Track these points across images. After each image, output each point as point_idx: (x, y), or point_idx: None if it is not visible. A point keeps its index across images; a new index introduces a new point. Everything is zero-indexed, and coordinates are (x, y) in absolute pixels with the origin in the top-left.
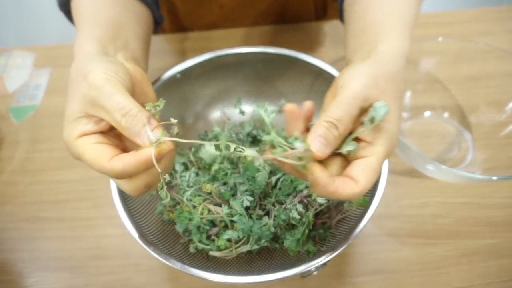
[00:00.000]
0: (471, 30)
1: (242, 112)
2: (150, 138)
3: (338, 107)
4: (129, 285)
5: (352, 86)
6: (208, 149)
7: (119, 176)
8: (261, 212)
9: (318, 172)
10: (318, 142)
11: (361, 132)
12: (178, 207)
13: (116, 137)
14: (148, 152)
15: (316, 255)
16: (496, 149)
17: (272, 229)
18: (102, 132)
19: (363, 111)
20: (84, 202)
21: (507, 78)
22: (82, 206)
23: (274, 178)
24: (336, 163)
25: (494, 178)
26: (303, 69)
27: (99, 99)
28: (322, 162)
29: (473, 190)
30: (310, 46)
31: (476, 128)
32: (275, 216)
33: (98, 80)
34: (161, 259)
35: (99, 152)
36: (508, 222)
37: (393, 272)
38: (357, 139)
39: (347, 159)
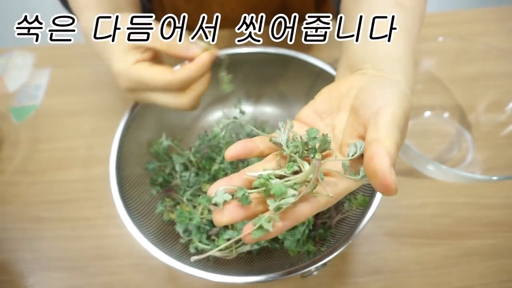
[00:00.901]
0: (471, 30)
1: (242, 112)
2: (201, 45)
3: (391, 137)
4: (129, 285)
5: (394, 111)
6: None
7: (183, 84)
8: None
9: None
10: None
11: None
12: (178, 207)
13: None
14: (205, 56)
15: (316, 255)
16: (496, 149)
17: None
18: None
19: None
20: (84, 202)
21: (507, 78)
22: (83, 206)
23: None
24: None
25: (494, 178)
26: (303, 69)
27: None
28: None
29: (473, 190)
30: (310, 46)
31: (476, 128)
32: None
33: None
34: (161, 259)
35: (160, 69)
36: (508, 222)
37: (393, 272)
38: None
39: None
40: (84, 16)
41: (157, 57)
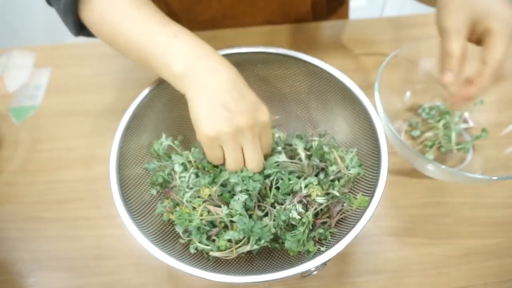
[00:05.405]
0: None
1: None
2: None
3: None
4: (129, 285)
5: None
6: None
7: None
8: (260, 213)
9: None
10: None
11: None
12: (177, 208)
13: None
14: None
15: (316, 255)
16: (496, 149)
17: (273, 230)
18: None
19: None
20: (84, 202)
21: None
22: (82, 206)
23: (270, 177)
24: None
25: (494, 178)
26: (303, 69)
27: None
28: None
29: (473, 190)
30: (310, 46)
31: (476, 128)
32: (274, 216)
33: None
34: (161, 259)
35: None
36: (508, 222)
37: (393, 272)
38: None
39: None
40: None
41: None
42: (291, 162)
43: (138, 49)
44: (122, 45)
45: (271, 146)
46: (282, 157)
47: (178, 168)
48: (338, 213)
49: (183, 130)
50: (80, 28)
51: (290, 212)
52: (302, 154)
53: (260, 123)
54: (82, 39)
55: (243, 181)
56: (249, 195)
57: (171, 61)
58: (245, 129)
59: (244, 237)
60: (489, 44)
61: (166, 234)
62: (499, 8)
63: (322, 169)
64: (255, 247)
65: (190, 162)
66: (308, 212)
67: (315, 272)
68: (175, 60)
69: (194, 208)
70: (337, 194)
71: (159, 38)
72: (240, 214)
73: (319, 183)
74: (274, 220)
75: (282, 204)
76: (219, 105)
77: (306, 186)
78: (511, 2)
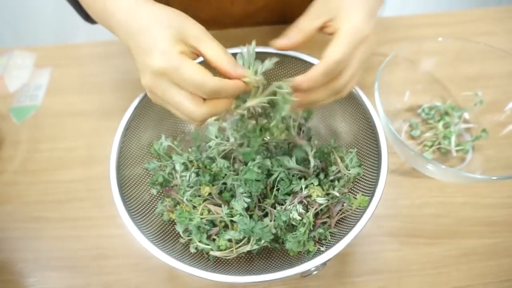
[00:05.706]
0: (471, 30)
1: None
2: (248, 73)
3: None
4: (129, 285)
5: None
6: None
7: (215, 91)
8: (260, 213)
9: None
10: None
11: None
12: (178, 207)
13: None
14: (243, 83)
15: (316, 255)
16: (496, 149)
17: (273, 230)
18: None
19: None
20: (84, 202)
21: (507, 78)
22: (83, 206)
23: (271, 178)
24: None
25: (494, 178)
26: (303, 69)
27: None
28: None
29: (473, 190)
30: (310, 46)
31: (476, 128)
32: (275, 217)
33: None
34: (161, 259)
35: (203, 69)
36: (508, 222)
37: (393, 272)
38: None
39: None
40: None
41: None
42: (299, 168)
43: (103, 23)
44: (100, 22)
45: (195, 81)
46: (292, 163)
47: (179, 167)
48: (338, 213)
49: (183, 130)
50: (86, 14)
51: (291, 212)
52: (312, 161)
53: (159, 72)
54: (81, 39)
55: (245, 183)
56: (251, 195)
57: (118, 35)
58: (151, 87)
59: (244, 237)
60: (331, 42)
61: (166, 234)
62: (355, 14)
63: (322, 170)
64: (255, 247)
65: (191, 161)
66: (309, 213)
67: (315, 272)
68: (118, 35)
69: (194, 207)
70: (337, 194)
71: (106, 14)
72: (241, 214)
73: (319, 184)
74: (274, 221)
75: (282, 205)
76: (140, 69)
77: (306, 187)
78: (372, 17)
